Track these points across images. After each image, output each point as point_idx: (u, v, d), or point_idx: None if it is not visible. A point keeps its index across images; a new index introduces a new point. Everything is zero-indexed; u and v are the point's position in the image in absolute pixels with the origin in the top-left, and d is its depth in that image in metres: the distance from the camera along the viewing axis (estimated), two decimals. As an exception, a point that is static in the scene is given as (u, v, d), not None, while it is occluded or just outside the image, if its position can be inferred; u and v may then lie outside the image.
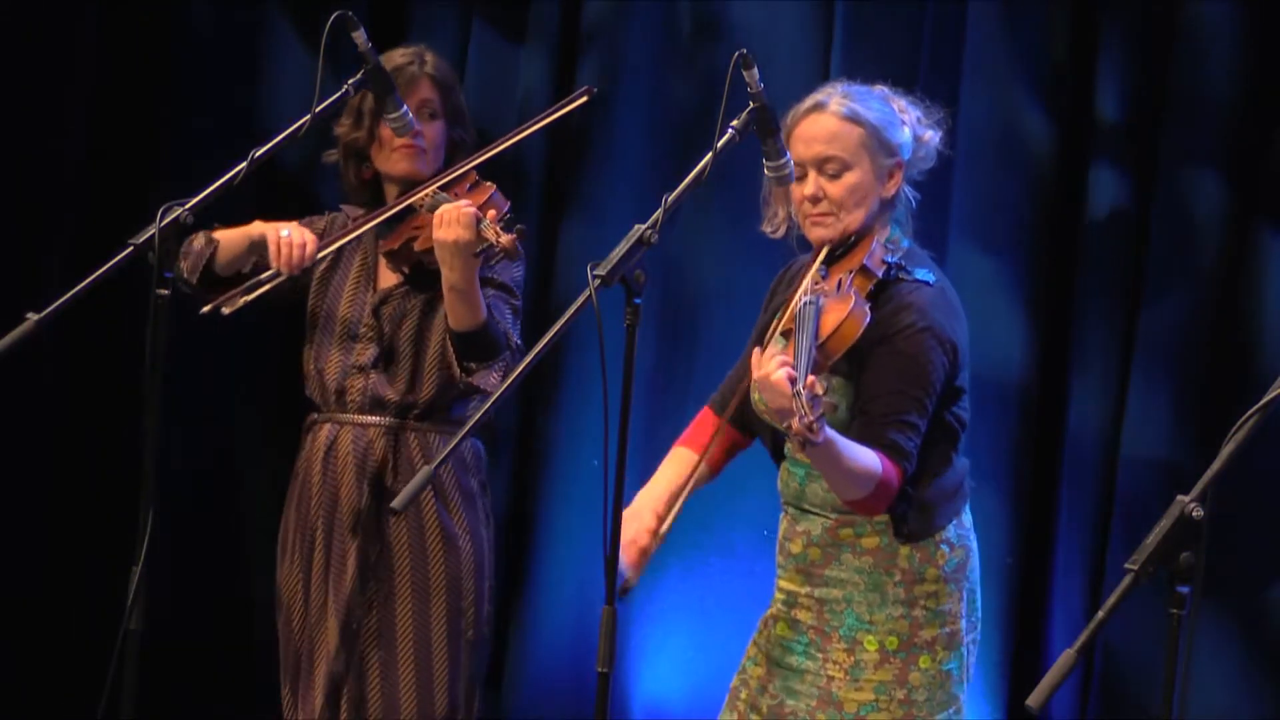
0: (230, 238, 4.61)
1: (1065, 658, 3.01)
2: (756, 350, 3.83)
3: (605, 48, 6.01)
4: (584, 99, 4.60)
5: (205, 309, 4.55)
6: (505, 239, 4.36)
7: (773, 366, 3.71)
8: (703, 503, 5.80)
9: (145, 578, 3.97)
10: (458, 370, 4.51)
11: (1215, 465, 3.07)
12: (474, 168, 4.64)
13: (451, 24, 6.17)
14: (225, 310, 4.56)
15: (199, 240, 4.59)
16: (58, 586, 6.17)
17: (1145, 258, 5.50)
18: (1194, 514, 3.02)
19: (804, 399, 3.61)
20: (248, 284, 4.58)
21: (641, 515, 4.08)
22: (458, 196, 4.56)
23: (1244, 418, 3.09)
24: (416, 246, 4.54)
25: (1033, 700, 2.98)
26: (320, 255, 4.58)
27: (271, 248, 4.50)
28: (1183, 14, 5.46)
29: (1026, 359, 5.62)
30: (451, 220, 4.38)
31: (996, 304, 5.55)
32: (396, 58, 4.62)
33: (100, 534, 5.99)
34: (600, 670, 3.61)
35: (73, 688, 5.91)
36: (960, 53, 5.65)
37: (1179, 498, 3.04)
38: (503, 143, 4.68)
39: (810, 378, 3.65)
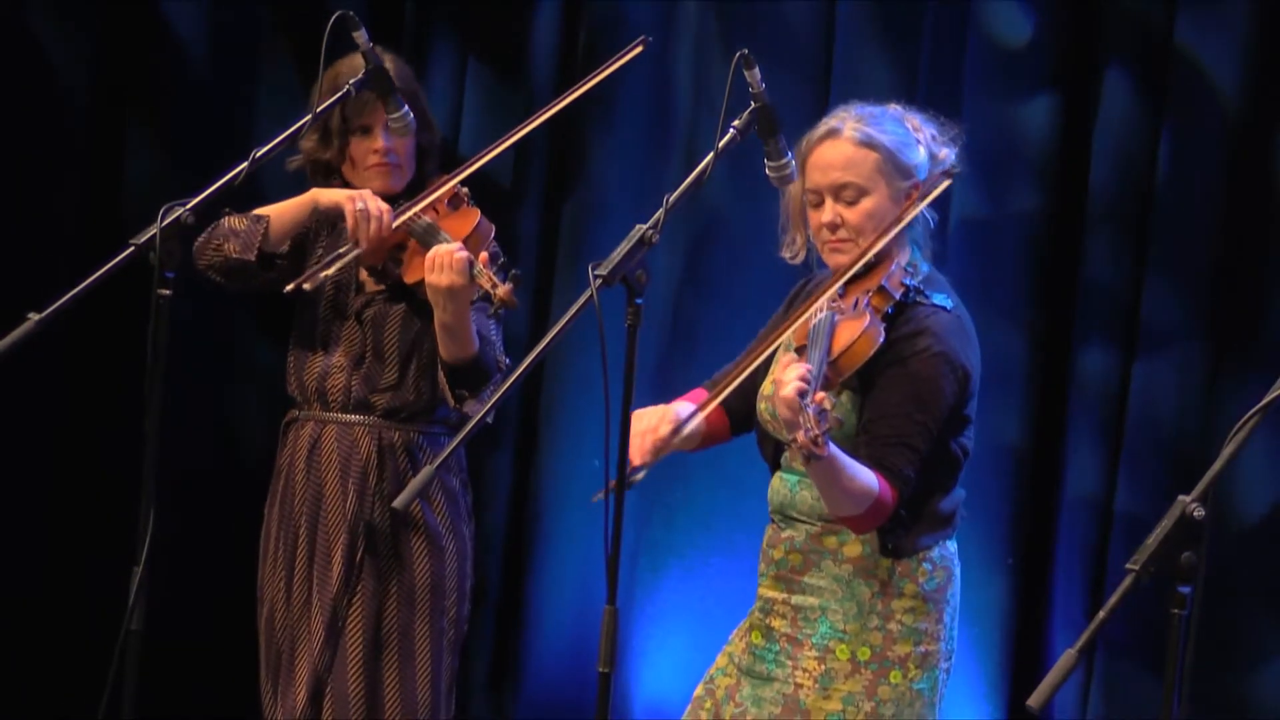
0: (284, 210, 4.56)
1: (1066, 658, 3.01)
2: (778, 358, 3.80)
3: (604, 51, 6.01)
4: (639, 48, 4.42)
5: (289, 288, 4.49)
6: (502, 290, 4.30)
7: (787, 377, 3.71)
8: (703, 502, 5.83)
9: (145, 578, 3.97)
10: (450, 398, 4.50)
11: (1216, 466, 3.07)
12: (458, 182, 4.57)
13: (447, 63, 6.15)
14: (307, 286, 4.50)
15: (238, 221, 4.54)
16: (58, 586, 6.16)
17: (1147, 255, 5.50)
18: (1195, 514, 3.03)
19: (811, 413, 3.63)
20: (328, 259, 4.52)
21: (665, 412, 4.04)
22: (439, 215, 4.53)
23: (1244, 418, 3.09)
24: (406, 278, 4.51)
25: (1034, 700, 2.98)
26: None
27: (350, 220, 4.47)
28: (1180, 20, 5.48)
29: (1027, 357, 5.62)
30: (445, 265, 4.32)
31: (997, 301, 5.55)
32: (360, 64, 4.50)
33: (100, 534, 5.98)
34: (601, 670, 3.61)
35: (73, 688, 5.91)
36: (961, 53, 5.64)
37: (1180, 498, 3.04)
38: (561, 101, 4.59)
39: (819, 393, 3.66)
